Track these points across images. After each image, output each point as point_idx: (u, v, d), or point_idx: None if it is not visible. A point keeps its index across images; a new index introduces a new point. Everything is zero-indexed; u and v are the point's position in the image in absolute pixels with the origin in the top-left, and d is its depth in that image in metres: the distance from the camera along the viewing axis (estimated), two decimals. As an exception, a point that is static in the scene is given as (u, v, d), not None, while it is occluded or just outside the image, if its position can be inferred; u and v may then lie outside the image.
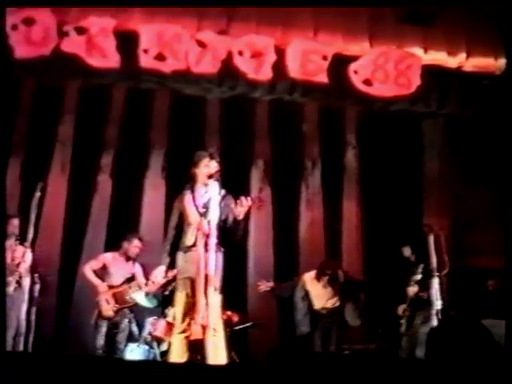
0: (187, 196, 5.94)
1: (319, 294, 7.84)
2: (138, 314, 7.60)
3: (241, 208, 5.77)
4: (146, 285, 7.47)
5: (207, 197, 5.85)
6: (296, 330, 7.77)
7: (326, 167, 9.11)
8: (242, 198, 5.79)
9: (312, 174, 9.07)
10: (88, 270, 7.65)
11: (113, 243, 7.97)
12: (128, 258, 7.77)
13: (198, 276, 5.62)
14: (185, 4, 7.89)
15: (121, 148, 8.79)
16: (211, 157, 6.07)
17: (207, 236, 5.70)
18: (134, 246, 7.78)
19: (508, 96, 6.70)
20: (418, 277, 7.17)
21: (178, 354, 5.77)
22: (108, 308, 7.47)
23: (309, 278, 7.91)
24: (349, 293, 7.90)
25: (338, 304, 7.84)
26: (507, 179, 6.43)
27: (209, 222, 5.74)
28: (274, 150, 9.03)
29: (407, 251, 7.55)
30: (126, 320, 7.52)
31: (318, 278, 7.86)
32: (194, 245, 5.77)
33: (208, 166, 5.93)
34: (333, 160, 9.16)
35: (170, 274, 6.33)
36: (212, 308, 5.63)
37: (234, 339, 7.01)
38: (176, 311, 5.89)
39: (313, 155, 9.11)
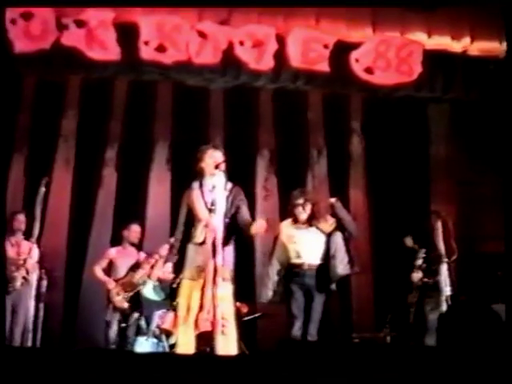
0: (195, 191, 5.92)
1: (297, 243, 6.67)
2: (146, 307, 7.60)
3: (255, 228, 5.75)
4: (152, 267, 7.50)
5: (215, 192, 5.80)
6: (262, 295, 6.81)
7: (332, 155, 9.07)
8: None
9: (318, 163, 9.05)
10: (98, 269, 7.67)
11: (119, 237, 7.96)
12: (131, 245, 7.77)
13: (206, 267, 5.61)
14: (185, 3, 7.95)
15: (125, 141, 8.76)
16: (215, 147, 6.08)
17: (216, 231, 5.66)
18: (133, 231, 7.78)
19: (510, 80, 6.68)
20: (419, 262, 7.12)
21: (185, 345, 5.76)
22: (120, 299, 7.49)
23: (285, 223, 6.87)
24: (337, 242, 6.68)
25: (323, 261, 6.63)
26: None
27: (217, 217, 5.71)
28: (279, 139, 9.01)
29: (409, 241, 7.50)
30: (136, 314, 7.53)
31: (291, 214, 6.73)
32: (203, 242, 5.76)
33: (213, 156, 5.91)
34: (338, 148, 9.12)
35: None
36: (222, 299, 5.59)
37: (243, 330, 6.85)
38: (181, 301, 5.88)
39: (318, 143, 9.08)
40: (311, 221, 6.63)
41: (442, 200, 8.79)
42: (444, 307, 6.72)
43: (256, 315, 7.75)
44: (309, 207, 6.62)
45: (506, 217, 6.02)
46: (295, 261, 6.61)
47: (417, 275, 7.18)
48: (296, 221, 6.69)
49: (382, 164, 8.98)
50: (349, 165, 9.14)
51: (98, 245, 8.34)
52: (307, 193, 6.91)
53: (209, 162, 5.90)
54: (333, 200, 6.73)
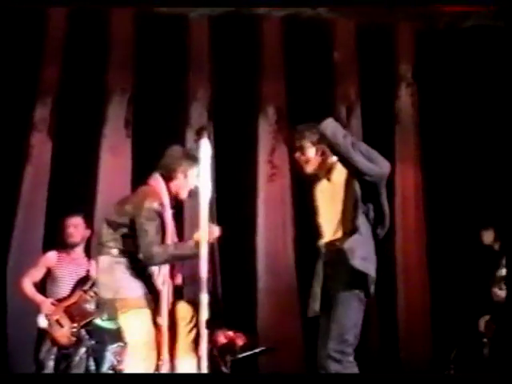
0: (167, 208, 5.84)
1: (318, 210, 5.92)
2: (97, 339, 7.37)
3: None
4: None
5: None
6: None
7: (369, 114, 9.05)
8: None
9: (348, 125, 8.84)
10: (27, 283, 7.50)
11: (55, 235, 7.82)
12: (74, 247, 7.58)
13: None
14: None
15: (63, 94, 8.71)
16: (192, 158, 5.89)
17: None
18: (68, 226, 7.56)
19: None
20: (503, 272, 7.19)
21: None
22: (64, 333, 7.30)
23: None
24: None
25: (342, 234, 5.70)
26: None
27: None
28: (291, 90, 8.96)
29: (489, 236, 7.51)
30: (83, 350, 7.32)
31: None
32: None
33: (189, 180, 5.87)
34: (378, 104, 9.08)
35: None
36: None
37: (238, 370, 6.99)
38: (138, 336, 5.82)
39: (349, 97, 9.09)
40: (321, 171, 5.80)
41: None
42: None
43: (257, 350, 7.61)
44: (312, 151, 5.76)
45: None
46: (319, 241, 5.85)
47: (499, 292, 7.24)
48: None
49: (443, 126, 8.94)
50: (394, 128, 9.16)
51: (23, 248, 8.30)
52: (305, 129, 5.85)
53: (189, 181, 5.86)
54: (323, 124, 5.60)
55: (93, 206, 8.39)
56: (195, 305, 5.76)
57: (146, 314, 5.73)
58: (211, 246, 5.75)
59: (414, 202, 8.92)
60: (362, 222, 5.51)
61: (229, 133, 7.88)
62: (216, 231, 5.79)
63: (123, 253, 5.70)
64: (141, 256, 5.68)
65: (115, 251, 5.71)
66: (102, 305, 6.02)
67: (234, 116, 8.56)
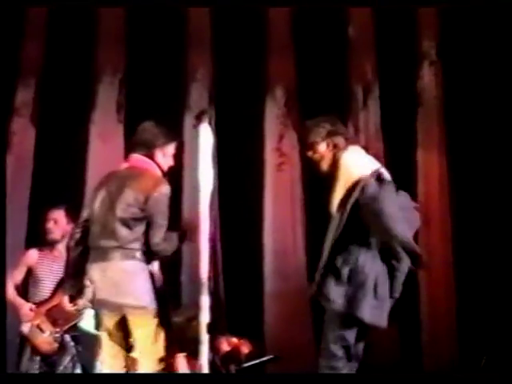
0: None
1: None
2: (83, 345, 7.34)
3: None
4: None
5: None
6: None
7: (388, 96, 8.99)
8: None
9: (365, 109, 9.00)
10: (8, 285, 7.51)
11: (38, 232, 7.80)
12: (52, 243, 7.54)
13: None
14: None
15: (48, 75, 8.70)
16: (167, 137, 5.89)
17: None
18: (51, 219, 7.50)
19: None
20: None
21: None
22: (45, 339, 7.31)
23: None
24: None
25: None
26: None
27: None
28: (301, 69, 8.93)
29: None
30: (68, 358, 7.30)
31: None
32: None
33: (169, 154, 5.87)
34: (399, 84, 8.99)
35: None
36: None
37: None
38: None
39: (366, 77, 9.05)
40: (335, 168, 5.86)
41: None
42: None
43: (264, 358, 7.62)
44: (323, 146, 5.84)
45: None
46: None
47: None
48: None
49: (470, 109, 8.83)
50: (416, 111, 9.06)
51: (4, 245, 8.21)
52: (313, 125, 5.94)
53: (161, 162, 5.84)
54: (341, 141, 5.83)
55: (81, 198, 8.09)
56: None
57: (156, 323, 5.68)
58: (212, 244, 5.62)
59: (439, 193, 8.83)
60: (349, 260, 5.55)
61: (232, 117, 7.84)
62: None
63: (145, 255, 5.64)
64: (158, 247, 5.63)
65: (139, 254, 5.63)
66: (101, 305, 5.85)
67: (238, 98, 8.54)
